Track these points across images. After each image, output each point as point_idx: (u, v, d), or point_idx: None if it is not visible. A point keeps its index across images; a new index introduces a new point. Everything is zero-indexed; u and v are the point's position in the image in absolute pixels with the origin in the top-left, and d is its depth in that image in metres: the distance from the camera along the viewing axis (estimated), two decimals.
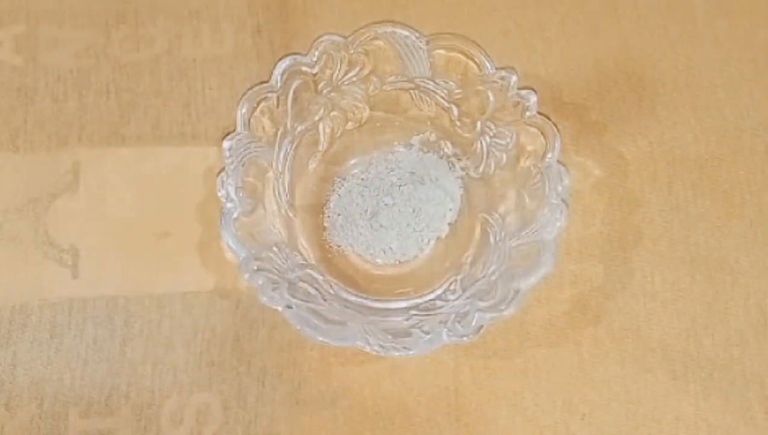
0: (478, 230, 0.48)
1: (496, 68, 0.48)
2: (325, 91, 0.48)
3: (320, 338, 0.43)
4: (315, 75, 0.47)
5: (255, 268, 0.44)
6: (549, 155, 0.47)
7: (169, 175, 0.49)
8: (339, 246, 0.49)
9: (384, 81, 0.49)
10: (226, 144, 0.45)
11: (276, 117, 0.47)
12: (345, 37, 0.47)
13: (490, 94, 0.48)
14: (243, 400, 0.47)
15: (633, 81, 0.52)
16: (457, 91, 0.48)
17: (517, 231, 0.46)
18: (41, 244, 0.47)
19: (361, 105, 0.49)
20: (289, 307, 0.43)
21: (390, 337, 0.43)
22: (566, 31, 0.52)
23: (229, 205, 0.45)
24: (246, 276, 0.44)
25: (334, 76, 0.48)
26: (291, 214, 0.48)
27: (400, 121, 0.50)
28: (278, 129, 0.47)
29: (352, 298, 0.47)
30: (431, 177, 0.49)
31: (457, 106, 0.49)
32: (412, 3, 0.52)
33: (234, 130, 0.46)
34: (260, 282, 0.44)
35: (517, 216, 0.47)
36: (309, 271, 0.47)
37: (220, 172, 0.45)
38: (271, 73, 0.47)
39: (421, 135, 0.50)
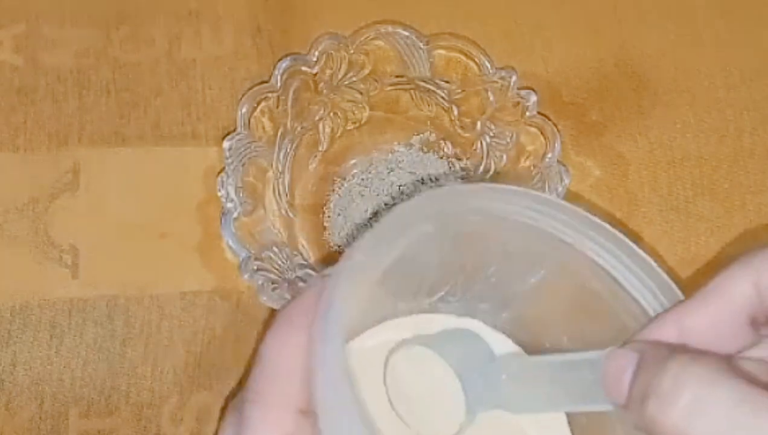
0: None
1: (496, 68, 0.48)
2: (325, 91, 0.48)
3: None
4: (315, 75, 0.47)
5: (255, 268, 0.44)
6: (549, 155, 0.47)
7: (169, 175, 0.49)
8: (339, 246, 0.49)
9: (384, 81, 0.49)
10: (226, 144, 0.45)
11: (276, 117, 0.47)
12: (345, 37, 0.47)
13: (490, 94, 0.48)
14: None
15: (633, 81, 0.52)
16: (457, 91, 0.48)
17: None
18: (41, 244, 0.47)
19: (361, 105, 0.49)
20: None
21: None
22: (566, 31, 0.52)
23: (229, 205, 0.45)
24: (246, 276, 0.44)
25: (334, 76, 0.48)
26: (291, 214, 0.48)
27: (400, 121, 0.50)
28: (278, 129, 0.47)
29: None
30: (431, 177, 0.49)
31: (457, 106, 0.49)
32: (412, 3, 0.52)
33: (234, 130, 0.46)
34: (260, 282, 0.44)
35: None
36: (309, 271, 0.47)
37: (220, 172, 0.45)
38: (271, 73, 0.47)
39: (421, 135, 0.50)
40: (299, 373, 0.31)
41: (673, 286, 0.35)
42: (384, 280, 0.34)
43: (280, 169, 0.48)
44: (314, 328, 0.31)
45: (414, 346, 0.36)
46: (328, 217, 0.49)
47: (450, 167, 0.49)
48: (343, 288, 0.30)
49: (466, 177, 0.49)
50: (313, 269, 0.47)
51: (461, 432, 0.35)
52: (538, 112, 0.47)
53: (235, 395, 0.33)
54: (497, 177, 0.49)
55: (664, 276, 0.35)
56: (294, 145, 0.48)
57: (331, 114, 0.49)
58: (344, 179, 0.49)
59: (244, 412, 0.31)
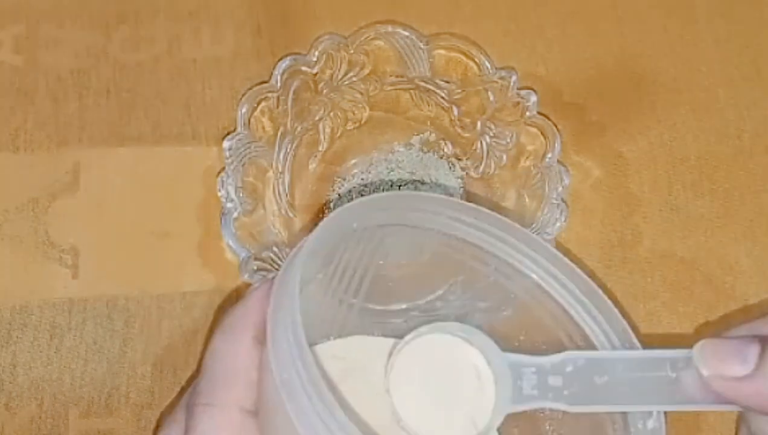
0: None
1: (496, 68, 0.48)
2: (325, 91, 0.48)
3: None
4: (315, 75, 0.47)
5: (255, 268, 0.44)
6: (549, 155, 0.47)
7: (169, 175, 0.49)
8: None
9: (384, 81, 0.49)
10: (226, 144, 0.45)
11: (276, 117, 0.47)
12: (345, 37, 0.47)
13: (490, 94, 0.48)
14: None
15: (633, 81, 0.52)
16: (457, 91, 0.48)
17: None
18: (41, 244, 0.47)
19: (361, 105, 0.49)
20: None
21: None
22: (566, 31, 0.52)
23: (229, 205, 0.45)
24: (246, 276, 0.44)
25: (334, 76, 0.48)
26: (291, 214, 0.48)
27: (400, 121, 0.50)
28: (278, 129, 0.47)
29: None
30: (431, 177, 0.49)
31: (457, 106, 0.49)
32: (412, 3, 0.52)
33: (234, 130, 0.46)
34: (260, 282, 0.43)
35: (517, 216, 0.47)
36: None
37: (220, 172, 0.45)
38: (271, 73, 0.47)
39: (421, 135, 0.50)
40: (244, 374, 0.32)
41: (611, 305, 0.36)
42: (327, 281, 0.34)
43: (280, 169, 0.48)
44: (277, 280, 0.31)
45: (439, 333, 0.34)
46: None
47: (450, 167, 0.49)
48: (299, 258, 0.31)
49: (466, 177, 0.49)
50: None
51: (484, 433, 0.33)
52: (538, 112, 0.47)
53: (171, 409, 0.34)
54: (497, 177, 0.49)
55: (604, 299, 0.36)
56: (294, 145, 0.48)
57: (331, 114, 0.49)
58: (344, 179, 0.49)
59: (192, 417, 0.31)
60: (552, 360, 0.34)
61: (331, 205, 0.49)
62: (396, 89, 0.49)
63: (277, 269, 0.45)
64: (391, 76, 0.49)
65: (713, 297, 0.49)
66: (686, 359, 0.33)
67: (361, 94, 0.49)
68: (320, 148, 0.49)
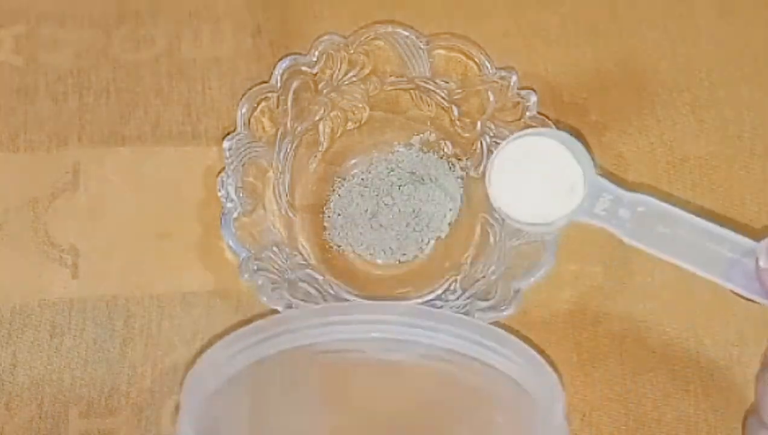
0: (478, 230, 0.48)
1: (496, 68, 0.48)
2: (325, 91, 0.48)
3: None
4: (315, 75, 0.47)
5: (255, 268, 0.44)
6: None
7: (169, 175, 0.49)
8: (339, 246, 0.49)
9: (384, 81, 0.49)
10: (226, 144, 0.45)
11: (276, 117, 0.47)
12: (345, 37, 0.47)
13: (490, 94, 0.48)
14: None
15: (633, 81, 0.52)
16: (457, 91, 0.48)
17: (517, 231, 0.46)
18: (41, 244, 0.47)
19: (361, 105, 0.49)
20: (289, 307, 0.43)
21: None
22: (566, 31, 0.52)
23: (229, 205, 0.45)
24: (246, 276, 0.44)
25: (334, 76, 0.48)
26: (291, 214, 0.48)
27: (400, 121, 0.50)
28: (278, 129, 0.47)
29: (352, 299, 0.47)
30: (431, 177, 0.49)
31: (457, 106, 0.49)
32: (412, 3, 0.52)
33: (234, 130, 0.46)
34: (260, 282, 0.44)
35: None
36: (309, 271, 0.47)
37: (220, 172, 0.45)
38: (271, 73, 0.47)
39: (421, 135, 0.50)
40: None
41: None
42: None
43: (280, 169, 0.48)
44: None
45: (549, 138, 0.42)
46: (328, 217, 0.49)
47: (450, 167, 0.49)
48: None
49: (466, 177, 0.49)
50: (313, 269, 0.47)
51: (552, 226, 0.42)
52: (538, 112, 0.47)
53: None
54: None
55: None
56: (294, 145, 0.48)
57: (331, 114, 0.49)
58: (344, 179, 0.49)
59: None
60: (629, 196, 0.41)
61: (331, 205, 0.49)
62: (396, 89, 0.49)
63: (277, 269, 0.45)
64: (391, 76, 0.49)
65: (713, 297, 0.49)
66: (748, 248, 0.38)
67: (361, 94, 0.49)
68: (320, 148, 0.49)
